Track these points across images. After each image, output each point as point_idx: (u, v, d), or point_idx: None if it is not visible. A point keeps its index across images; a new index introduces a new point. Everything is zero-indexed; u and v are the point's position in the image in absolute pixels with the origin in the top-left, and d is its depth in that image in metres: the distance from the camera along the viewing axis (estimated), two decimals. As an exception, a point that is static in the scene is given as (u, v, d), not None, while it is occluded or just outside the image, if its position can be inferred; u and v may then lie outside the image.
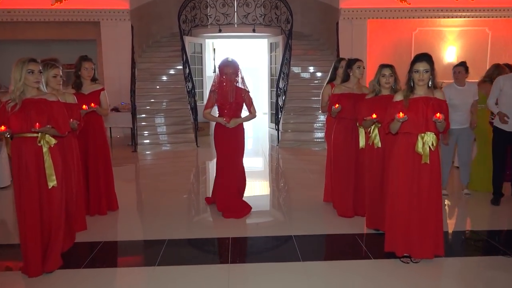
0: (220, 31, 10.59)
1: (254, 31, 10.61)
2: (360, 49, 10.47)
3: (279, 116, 9.37)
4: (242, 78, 4.56)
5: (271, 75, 11.38)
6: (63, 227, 3.40)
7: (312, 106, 9.62)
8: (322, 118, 9.39)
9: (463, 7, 10.54)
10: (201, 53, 11.26)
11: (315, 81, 10.35)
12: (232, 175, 4.63)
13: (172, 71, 10.42)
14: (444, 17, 10.77)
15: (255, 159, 8.22)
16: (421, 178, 3.34)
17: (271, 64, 11.41)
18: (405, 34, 11.00)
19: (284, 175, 7.05)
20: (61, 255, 3.43)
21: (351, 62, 4.49)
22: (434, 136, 3.33)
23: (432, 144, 3.31)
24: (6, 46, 10.49)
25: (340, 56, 9.76)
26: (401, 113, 3.22)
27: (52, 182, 3.24)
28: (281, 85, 9.56)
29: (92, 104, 4.43)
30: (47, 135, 3.23)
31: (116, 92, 10.18)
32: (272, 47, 11.31)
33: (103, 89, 4.66)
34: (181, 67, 10.10)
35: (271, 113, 11.11)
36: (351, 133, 4.47)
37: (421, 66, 3.29)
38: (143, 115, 9.29)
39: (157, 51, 11.03)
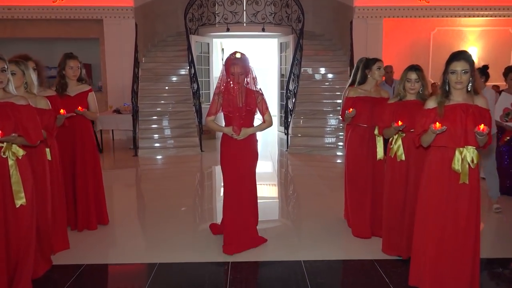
0: (228, 30, 10.12)
1: (263, 30, 10.11)
2: (375, 49, 9.89)
3: (289, 120, 8.86)
4: (254, 78, 3.63)
5: (281, 76, 10.88)
6: (34, 250, 2.94)
7: (323, 110, 9.11)
8: (334, 122, 8.88)
9: (485, 6, 9.94)
10: (208, 53, 10.80)
11: (327, 83, 9.82)
12: (243, 202, 3.68)
13: (177, 72, 9.97)
14: (464, 16, 10.18)
15: (263, 164, 7.73)
16: (458, 201, 2.80)
17: (281, 65, 10.91)
18: (423, 34, 10.45)
19: (294, 184, 6.54)
20: (33, 281, 2.98)
21: (369, 62, 3.99)
22: (475, 151, 2.78)
23: (472, 161, 2.77)
24: (6, 44, 10.12)
25: (354, 57, 9.37)
26: (437, 123, 2.68)
27: (20, 200, 2.77)
28: (291, 87, 9.05)
29: (80, 108, 3.97)
30: (13, 145, 2.76)
31: (119, 93, 9.79)
32: (282, 47, 10.81)
33: (90, 90, 4.18)
34: (187, 67, 9.64)
35: (280, 116, 10.61)
36: (368, 142, 3.96)
37: (459, 66, 2.76)
38: (145, 118, 8.84)
39: (162, 50, 10.59)
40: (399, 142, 3.38)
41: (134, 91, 8.62)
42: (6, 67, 2.73)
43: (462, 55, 2.79)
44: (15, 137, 2.69)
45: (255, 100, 3.60)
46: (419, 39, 10.40)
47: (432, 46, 10.44)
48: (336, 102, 9.22)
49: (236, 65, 3.50)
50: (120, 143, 9.44)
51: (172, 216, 4.78)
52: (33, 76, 3.29)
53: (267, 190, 6.18)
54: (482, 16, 10.13)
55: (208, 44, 10.77)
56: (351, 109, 3.88)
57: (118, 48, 9.92)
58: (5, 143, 2.72)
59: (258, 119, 3.75)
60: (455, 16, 10.17)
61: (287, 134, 8.78)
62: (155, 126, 8.86)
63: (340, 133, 8.64)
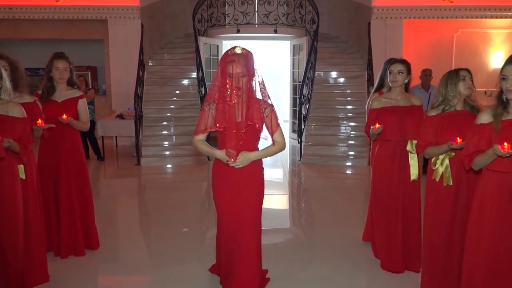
0: (238, 31, 9.60)
1: (275, 31, 9.57)
2: (394, 52, 9.16)
3: (302, 127, 8.29)
4: (262, 82, 2.66)
5: (293, 80, 10.32)
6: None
7: (338, 116, 8.53)
8: (350, 130, 8.30)
9: (512, 6, 9.29)
10: (218, 55, 10.27)
11: (343, 88, 9.24)
12: (239, 246, 2.70)
13: (185, 75, 9.45)
14: (490, 17, 9.50)
15: (274, 175, 7.18)
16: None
17: (293, 68, 10.34)
18: (446, 36, 9.82)
19: (308, 200, 5.97)
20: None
21: (388, 63, 3.47)
22: None
23: None
24: (7, 45, 9.74)
25: (371, 60, 8.76)
26: (505, 143, 2.11)
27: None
28: (305, 91, 8.49)
29: (64, 116, 3.44)
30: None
31: (123, 97, 9.32)
32: (295, 50, 10.25)
33: (81, 97, 3.64)
34: (195, 70, 9.13)
35: (293, 122, 10.05)
36: (399, 159, 3.35)
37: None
38: (150, 124, 8.34)
39: (169, 52, 10.10)
40: (447, 162, 2.76)
41: (138, 95, 8.12)
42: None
43: None
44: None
45: (261, 112, 2.63)
46: (441, 42, 9.77)
47: (455, 48, 9.81)
48: (353, 108, 8.65)
49: (236, 63, 2.55)
50: (124, 150, 8.94)
51: (172, 236, 4.25)
52: (8, 81, 2.78)
53: (277, 206, 5.63)
54: (510, 17, 9.46)
55: (218, 46, 10.26)
56: (377, 125, 3.29)
57: (123, 50, 9.45)
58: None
59: (263, 138, 2.77)
60: (480, 17, 9.51)
61: (300, 142, 8.21)
62: (160, 132, 8.35)
63: (354, 142, 8.07)
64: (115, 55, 9.55)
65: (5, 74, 2.77)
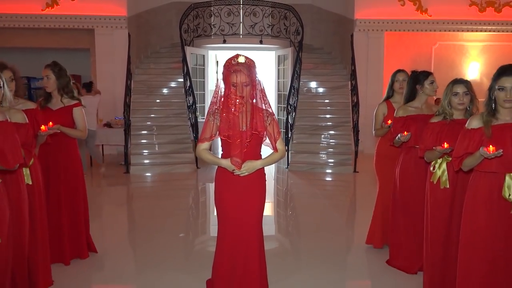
0: (224, 41, 9.75)
1: (261, 42, 9.78)
2: (376, 63, 9.65)
3: (289, 136, 8.47)
4: (262, 91, 2.69)
5: (278, 90, 10.52)
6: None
7: (324, 125, 8.74)
8: (334, 138, 8.51)
9: (487, 20, 9.74)
10: (204, 65, 10.41)
11: (327, 97, 9.47)
12: (243, 255, 2.73)
13: (171, 84, 9.55)
14: (467, 31, 9.96)
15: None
16: (508, 232, 2.43)
17: (278, 78, 10.55)
18: (425, 48, 10.21)
19: (300, 210, 6.12)
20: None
21: (421, 77, 3.54)
22: None
23: None
24: (-9, 53, 9.64)
25: (355, 70, 9.03)
26: (491, 146, 2.32)
27: (-7, 238, 2.31)
28: (291, 101, 8.68)
29: (50, 123, 3.27)
30: (-14, 170, 2.32)
31: (110, 106, 9.33)
32: (280, 60, 10.47)
33: (77, 105, 3.62)
34: (181, 79, 9.23)
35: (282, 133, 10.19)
36: (425, 165, 3.33)
37: (509, 82, 2.40)
38: (138, 132, 8.38)
39: (155, 62, 10.17)
40: (444, 166, 2.96)
41: (127, 104, 8.17)
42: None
43: None
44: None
45: (264, 121, 2.67)
46: (420, 53, 10.14)
47: (434, 60, 10.20)
48: (336, 117, 8.88)
49: (240, 73, 2.57)
50: (110, 158, 8.95)
51: (166, 241, 4.32)
52: (7, 88, 2.82)
53: (270, 210, 5.76)
54: (485, 31, 9.92)
55: (204, 56, 10.39)
56: (406, 133, 3.41)
57: (109, 59, 9.50)
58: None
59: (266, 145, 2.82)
60: (457, 31, 9.95)
61: (287, 150, 8.37)
62: (148, 141, 8.40)
63: (339, 149, 8.28)
64: (102, 64, 9.59)
65: (5, 83, 2.79)
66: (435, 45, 10.25)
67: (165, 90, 9.49)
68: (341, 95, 9.37)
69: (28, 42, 9.78)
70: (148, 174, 7.74)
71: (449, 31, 9.93)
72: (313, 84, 9.70)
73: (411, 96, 3.59)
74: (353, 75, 8.83)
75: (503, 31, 9.87)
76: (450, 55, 10.24)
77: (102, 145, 8.83)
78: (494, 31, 9.91)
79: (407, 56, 10.04)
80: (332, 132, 8.62)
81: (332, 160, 8.20)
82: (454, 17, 9.71)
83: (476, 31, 9.92)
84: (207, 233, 4.91)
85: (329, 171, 7.99)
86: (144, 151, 8.19)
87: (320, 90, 9.68)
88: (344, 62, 10.15)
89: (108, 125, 8.52)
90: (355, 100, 8.48)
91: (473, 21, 9.76)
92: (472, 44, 10.23)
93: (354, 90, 8.62)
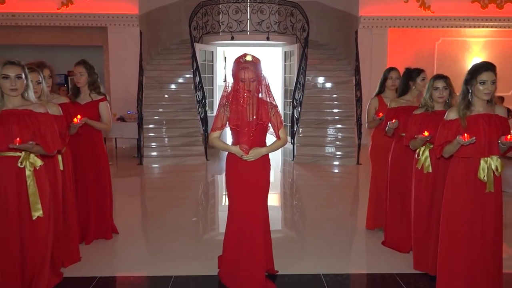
0: (232, 38, 10.09)
1: (268, 39, 10.10)
2: (380, 59, 9.92)
3: (295, 129, 8.79)
4: (267, 86, 3.08)
5: (285, 85, 10.84)
6: (49, 264, 2.84)
7: (329, 119, 9.06)
8: (339, 131, 8.82)
9: (490, 16, 9.96)
10: (212, 61, 10.75)
11: (332, 92, 9.78)
12: (250, 231, 3.10)
13: (181, 80, 9.91)
14: (469, 27, 10.19)
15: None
16: (485, 211, 2.77)
17: (285, 74, 10.87)
18: (428, 44, 10.45)
19: (305, 198, 6.45)
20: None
21: (413, 73, 3.91)
22: (499, 159, 2.77)
23: (497, 169, 2.75)
24: (10, 51, 10.03)
25: (358, 66, 9.32)
26: (465, 134, 2.65)
27: (37, 212, 2.68)
28: (297, 96, 9.00)
29: (78, 116, 3.56)
30: (31, 155, 2.68)
31: (122, 101, 9.72)
32: (286, 56, 10.78)
33: (102, 100, 3.94)
34: (190, 75, 9.59)
35: (285, 125, 10.52)
36: (413, 154, 3.63)
37: (489, 77, 2.72)
38: (150, 126, 8.76)
39: (166, 58, 10.54)
40: (427, 153, 3.33)
41: (140, 99, 8.54)
42: (22, 74, 2.65)
43: (491, 66, 2.77)
44: (32, 145, 2.61)
45: (268, 112, 3.05)
46: (424, 49, 10.40)
47: (437, 56, 10.46)
48: (341, 112, 9.18)
49: (247, 70, 2.94)
50: (123, 151, 9.35)
51: (181, 227, 4.68)
52: (45, 84, 3.21)
53: (277, 200, 6.10)
54: (487, 27, 10.15)
55: (212, 52, 10.73)
56: (394, 120, 3.75)
57: (122, 56, 9.88)
58: (23, 153, 2.64)
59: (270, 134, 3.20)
60: (460, 27, 10.19)
61: (293, 143, 8.70)
62: (159, 134, 8.77)
63: (343, 142, 8.59)
64: (114, 61, 9.97)
65: (43, 81, 3.18)
66: (438, 41, 10.49)
67: (175, 86, 9.85)
68: (345, 90, 9.66)
69: (44, 39, 10.16)
70: (160, 166, 8.11)
71: (452, 27, 10.16)
72: (318, 79, 10.00)
73: (404, 91, 3.91)
74: (357, 71, 9.12)
75: (505, 27, 10.09)
76: (453, 50, 10.48)
77: (115, 138, 9.24)
78: (496, 27, 10.13)
79: (411, 52, 10.30)
80: (336, 125, 8.92)
81: (336, 153, 8.51)
82: (457, 14, 9.95)
83: (479, 27, 10.15)
84: (216, 222, 5.22)
85: (333, 163, 8.30)
86: (156, 144, 8.57)
87: (326, 85, 9.97)
88: (348, 58, 10.43)
89: (122, 119, 8.91)
90: (359, 95, 8.79)
91: (475, 17, 9.99)
92: (475, 40, 10.46)
93: (358, 85, 8.91)
